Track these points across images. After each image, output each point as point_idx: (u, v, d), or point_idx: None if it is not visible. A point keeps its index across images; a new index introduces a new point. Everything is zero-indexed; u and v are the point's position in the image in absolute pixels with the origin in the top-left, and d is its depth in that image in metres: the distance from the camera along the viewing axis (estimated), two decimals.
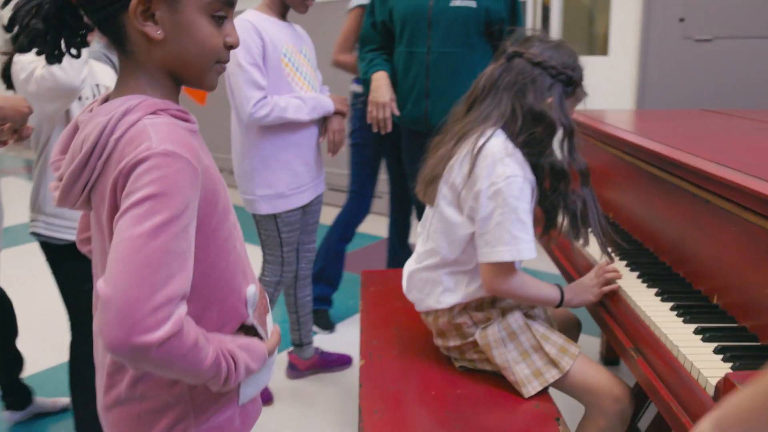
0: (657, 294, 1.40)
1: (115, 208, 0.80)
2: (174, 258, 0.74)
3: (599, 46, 3.96)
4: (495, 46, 2.41)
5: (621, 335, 1.38)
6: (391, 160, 2.89)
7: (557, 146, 1.51)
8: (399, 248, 3.03)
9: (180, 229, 0.76)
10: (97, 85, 1.88)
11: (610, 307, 1.48)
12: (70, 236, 1.84)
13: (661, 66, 3.46)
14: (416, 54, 2.43)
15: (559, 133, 1.49)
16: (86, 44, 0.93)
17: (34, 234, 1.88)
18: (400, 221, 3.03)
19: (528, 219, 1.43)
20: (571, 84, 1.52)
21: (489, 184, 1.42)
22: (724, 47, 3.30)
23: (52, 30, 0.87)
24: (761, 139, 1.84)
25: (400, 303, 1.95)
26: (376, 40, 2.57)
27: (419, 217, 2.63)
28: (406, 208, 3.00)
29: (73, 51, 0.91)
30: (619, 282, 1.49)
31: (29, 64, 1.66)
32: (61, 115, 1.80)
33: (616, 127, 2.04)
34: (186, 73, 0.89)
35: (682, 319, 1.28)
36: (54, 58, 0.89)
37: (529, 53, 1.50)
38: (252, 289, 0.95)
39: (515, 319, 1.52)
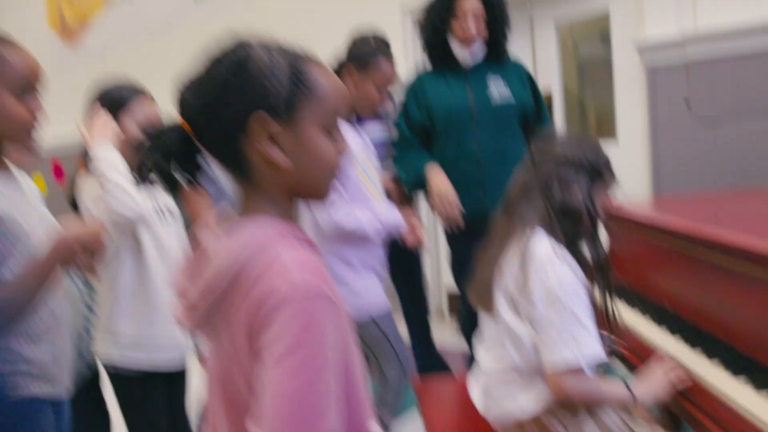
0: (746, 382, 1.36)
1: (250, 338, 0.79)
2: (329, 403, 0.74)
3: (606, 131, 4.05)
4: (526, 133, 2.64)
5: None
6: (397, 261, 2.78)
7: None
8: (424, 353, 2.90)
9: (333, 373, 0.76)
10: (163, 209, 1.91)
11: (696, 402, 1.43)
12: (147, 367, 1.81)
13: (673, 148, 3.51)
14: (466, 146, 2.54)
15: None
16: (198, 169, 0.94)
17: (107, 366, 1.84)
18: (418, 323, 2.93)
19: (589, 322, 1.43)
20: (596, 170, 1.57)
21: (543, 289, 1.45)
22: (733, 125, 3.35)
23: (175, 165, 0.89)
24: None
25: (464, 415, 1.87)
26: (415, 141, 2.63)
27: (464, 329, 2.62)
28: (420, 309, 2.93)
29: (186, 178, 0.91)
30: (700, 370, 1.45)
31: (95, 189, 1.68)
32: (131, 241, 1.81)
33: (670, 217, 2.02)
34: (307, 189, 0.90)
35: None
36: (172, 189, 0.90)
37: (552, 153, 1.59)
38: (375, 426, 0.93)
39: (612, 420, 1.47)
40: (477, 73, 2.61)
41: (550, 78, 4.25)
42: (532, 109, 2.67)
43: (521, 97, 2.62)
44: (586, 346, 1.41)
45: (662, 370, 1.50)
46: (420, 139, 2.64)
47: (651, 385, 1.49)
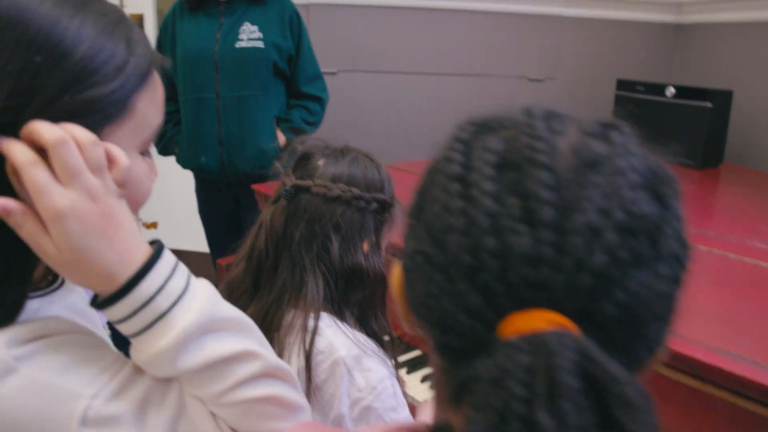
0: None
1: None
2: None
3: None
4: (287, 85, 2.46)
5: None
6: None
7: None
8: None
9: None
10: None
11: None
12: None
13: None
14: (205, 97, 2.36)
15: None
16: None
17: None
18: None
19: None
20: (385, 209, 1.15)
21: (351, 403, 1.06)
22: None
23: None
24: None
25: None
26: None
27: None
28: None
29: None
30: None
31: None
32: None
33: None
34: None
35: None
36: None
37: (317, 185, 1.10)
38: None
39: None
40: (233, 14, 2.36)
41: None
42: (290, 55, 2.45)
43: (276, 42, 2.38)
44: None
45: None
46: (170, 92, 2.39)
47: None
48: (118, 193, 0.61)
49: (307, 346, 1.06)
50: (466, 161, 0.46)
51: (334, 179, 1.11)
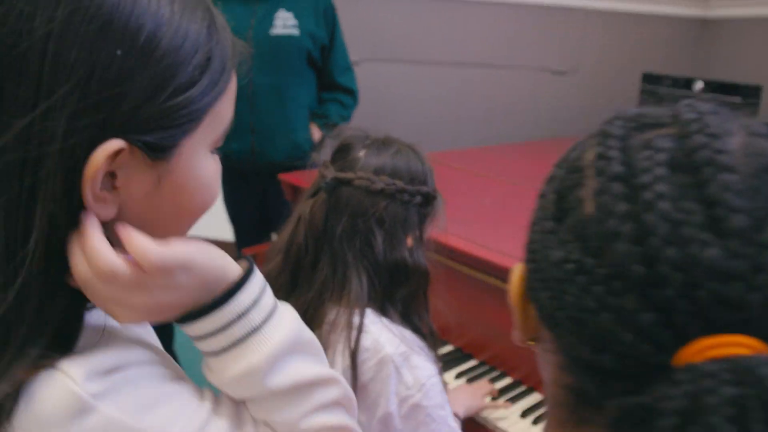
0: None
1: None
2: None
3: None
4: (318, 75, 2.41)
5: None
6: None
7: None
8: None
9: None
10: None
11: None
12: None
13: None
14: (238, 87, 2.29)
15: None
16: None
17: None
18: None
19: (455, 424, 1.12)
20: (428, 202, 1.11)
21: (399, 401, 1.03)
22: None
23: None
24: None
25: None
26: None
27: None
28: None
29: None
30: None
31: None
32: None
33: None
34: None
35: None
36: None
37: (359, 177, 1.05)
38: None
39: None
40: (267, 0, 2.33)
41: None
42: (324, 45, 2.39)
43: (310, 31, 2.34)
44: None
45: (474, 386, 1.43)
46: None
47: (464, 397, 1.36)
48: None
49: (352, 344, 1.03)
50: (628, 159, 0.41)
51: (377, 171, 1.05)
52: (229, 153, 2.36)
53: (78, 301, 0.55)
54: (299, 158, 2.40)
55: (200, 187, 0.58)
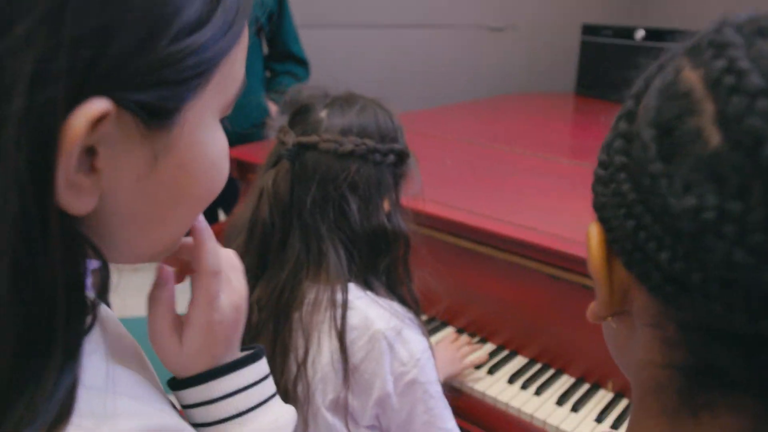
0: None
1: None
2: None
3: None
4: (269, 48, 2.29)
5: None
6: None
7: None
8: None
9: None
10: None
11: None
12: None
13: None
14: None
15: None
16: None
17: None
18: None
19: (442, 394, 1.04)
20: (402, 161, 1.02)
21: (394, 379, 0.96)
22: None
23: None
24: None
25: None
26: None
27: None
28: None
29: None
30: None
31: None
32: None
33: None
34: None
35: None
36: None
37: (325, 140, 0.95)
38: None
39: None
40: None
41: None
42: (272, 13, 2.23)
43: None
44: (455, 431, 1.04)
45: (452, 349, 1.34)
46: None
47: (443, 364, 1.26)
48: None
49: (338, 324, 0.94)
50: (766, 69, 0.32)
51: (344, 132, 0.96)
52: None
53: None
54: (253, 133, 2.29)
55: (208, 167, 0.44)
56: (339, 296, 0.95)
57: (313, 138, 0.96)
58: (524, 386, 1.32)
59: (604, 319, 0.43)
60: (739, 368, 0.34)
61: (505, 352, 1.43)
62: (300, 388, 0.96)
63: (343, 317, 0.94)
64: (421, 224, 1.24)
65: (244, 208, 1.06)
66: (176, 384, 0.55)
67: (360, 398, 0.97)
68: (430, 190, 1.48)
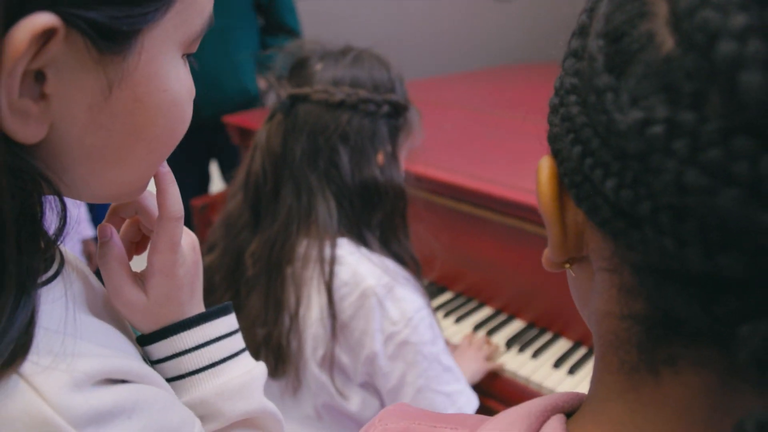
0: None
1: None
2: None
3: None
4: (264, 20, 2.24)
5: None
6: None
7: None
8: None
9: None
10: None
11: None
12: None
13: None
14: None
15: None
16: None
17: None
18: None
19: (451, 360, 1.01)
20: (398, 113, 1.00)
21: (384, 339, 0.94)
22: None
23: None
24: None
25: None
26: None
27: None
28: None
29: None
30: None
31: None
32: None
33: None
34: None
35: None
36: None
37: (316, 91, 0.95)
38: None
39: None
40: None
41: None
42: None
43: None
44: (461, 395, 0.99)
45: (474, 347, 1.28)
46: None
47: (468, 363, 1.22)
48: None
49: (326, 278, 0.94)
50: None
51: (336, 82, 0.95)
52: None
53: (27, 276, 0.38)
54: (248, 106, 2.27)
55: (168, 105, 0.42)
56: (327, 251, 0.95)
57: (306, 89, 0.96)
58: (521, 350, 1.32)
59: (560, 266, 0.39)
60: (697, 317, 0.29)
61: (503, 316, 1.43)
62: (293, 343, 0.96)
63: (331, 273, 0.94)
64: (422, 188, 1.24)
65: (241, 166, 1.06)
66: (145, 339, 0.53)
67: (351, 356, 0.96)
68: (430, 154, 1.48)
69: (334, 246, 0.95)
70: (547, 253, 0.39)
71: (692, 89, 0.27)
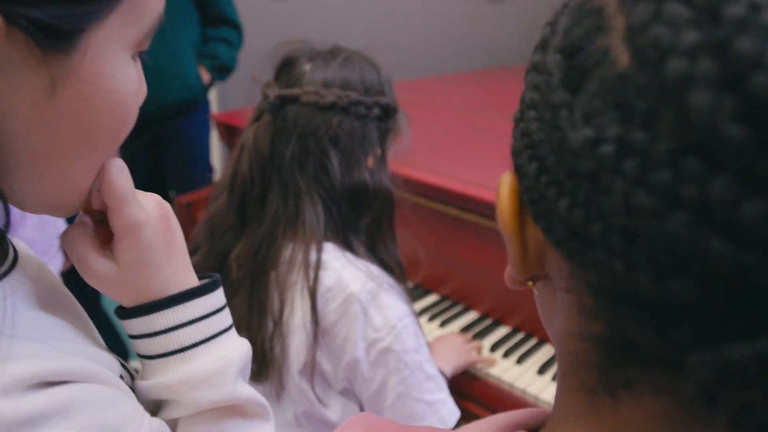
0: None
1: None
2: None
3: None
4: (203, 13, 2.20)
5: None
6: None
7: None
8: None
9: None
10: None
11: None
12: None
13: None
14: None
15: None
16: None
17: None
18: None
19: (434, 369, 1.00)
20: (388, 115, 0.98)
21: (366, 346, 0.93)
22: None
23: None
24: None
25: None
26: None
27: None
28: None
29: None
30: None
31: None
32: None
33: None
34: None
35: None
36: None
37: (307, 92, 0.93)
38: None
39: None
40: None
41: None
42: None
43: None
44: (443, 404, 0.98)
45: (460, 339, 1.28)
46: None
47: (450, 354, 1.22)
48: None
49: (311, 284, 0.92)
50: None
51: (326, 84, 0.93)
52: None
53: None
54: (192, 100, 2.25)
55: (114, 104, 0.42)
56: (313, 255, 0.93)
57: (295, 91, 0.94)
58: (506, 355, 1.31)
59: (522, 283, 0.37)
60: (652, 342, 0.28)
61: (488, 321, 1.42)
62: (276, 349, 0.95)
63: (315, 278, 0.92)
64: (409, 191, 1.23)
65: (227, 166, 1.04)
66: (121, 312, 0.52)
67: (332, 362, 0.95)
68: (419, 157, 1.46)
69: (320, 251, 0.94)
70: (508, 271, 0.38)
71: (644, 108, 0.26)
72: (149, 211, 0.49)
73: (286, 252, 0.95)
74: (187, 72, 2.19)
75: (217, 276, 0.57)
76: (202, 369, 0.52)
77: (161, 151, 2.32)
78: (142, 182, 1.97)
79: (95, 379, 0.43)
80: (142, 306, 0.51)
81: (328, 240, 0.96)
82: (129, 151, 2.29)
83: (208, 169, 2.43)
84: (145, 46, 0.44)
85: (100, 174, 0.46)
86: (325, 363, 0.95)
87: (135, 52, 0.44)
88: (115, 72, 0.41)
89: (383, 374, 0.94)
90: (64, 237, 0.49)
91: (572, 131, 0.28)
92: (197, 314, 0.53)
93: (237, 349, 0.55)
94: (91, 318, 0.56)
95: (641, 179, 0.25)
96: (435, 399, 0.98)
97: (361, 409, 0.99)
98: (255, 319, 0.95)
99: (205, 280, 0.55)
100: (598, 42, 0.28)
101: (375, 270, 0.96)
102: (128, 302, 0.51)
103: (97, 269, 0.49)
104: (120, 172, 0.47)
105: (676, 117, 0.24)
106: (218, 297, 0.56)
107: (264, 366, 0.95)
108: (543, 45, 0.34)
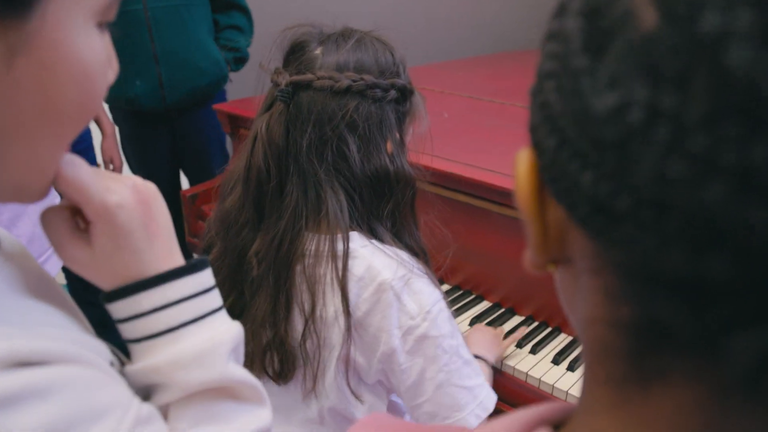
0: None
1: None
2: None
3: None
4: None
5: None
6: None
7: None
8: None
9: None
10: None
11: None
12: None
13: None
14: (130, 13, 1.97)
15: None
16: None
17: None
18: None
19: (470, 354, 0.97)
20: (405, 97, 0.96)
21: (403, 334, 0.90)
22: None
23: None
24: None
25: None
26: None
27: None
28: None
29: None
30: None
31: None
32: None
33: None
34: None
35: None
36: None
37: (320, 77, 0.89)
38: None
39: None
40: None
41: None
42: None
43: None
44: (481, 389, 0.96)
45: (492, 330, 1.27)
46: None
47: (488, 343, 1.22)
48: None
49: (340, 274, 0.89)
50: None
51: (340, 68, 0.89)
52: (134, 97, 2.08)
53: None
54: (222, 78, 2.22)
55: (78, 75, 0.40)
56: (340, 245, 0.90)
57: (308, 76, 0.89)
58: (520, 344, 1.28)
59: (542, 267, 0.35)
60: (686, 325, 0.26)
61: (501, 310, 1.39)
62: (309, 345, 0.92)
63: (344, 268, 0.89)
64: (419, 178, 1.20)
65: (238, 159, 1.00)
66: (105, 298, 0.50)
67: (365, 354, 0.92)
68: (427, 143, 1.43)
69: (347, 240, 0.91)
70: (528, 255, 0.35)
71: (675, 69, 0.23)
72: (123, 195, 0.48)
73: (311, 244, 0.92)
74: (212, 51, 2.18)
75: (205, 257, 0.55)
76: (192, 348, 0.50)
77: (181, 145, 2.30)
78: (162, 175, 1.93)
79: (77, 361, 0.41)
80: (128, 286, 0.49)
81: (353, 229, 0.92)
82: (153, 152, 2.28)
83: (226, 159, 2.41)
84: (111, 17, 0.42)
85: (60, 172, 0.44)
86: (357, 356, 0.92)
87: (100, 21, 0.41)
88: (77, 40, 0.39)
89: (421, 363, 0.91)
90: (42, 220, 0.48)
91: (596, 98, 0.26)
92: (186, 293, 0.51)
93: (228, 329, 0.54)
94: (97, 312, 0.54)
95: (674, 146, 0.23)
96: (474, 384, 0.96)
97: (389, 405, 0.97)
98: (281, 315, 0.92)
99: (193, 260, 0.53)
100: (623, 1, 0.26)
101: (404, 255, 0.93)
102: (106, 285, 0.50)
103: (72, 253, 0.48)
104: (70, 166, 0.45)
105: (712, 77, 0.22)
106: (207, 276, 0.54)
107: (290, 364, 0.93)
108: (560, 11, 0.31)
